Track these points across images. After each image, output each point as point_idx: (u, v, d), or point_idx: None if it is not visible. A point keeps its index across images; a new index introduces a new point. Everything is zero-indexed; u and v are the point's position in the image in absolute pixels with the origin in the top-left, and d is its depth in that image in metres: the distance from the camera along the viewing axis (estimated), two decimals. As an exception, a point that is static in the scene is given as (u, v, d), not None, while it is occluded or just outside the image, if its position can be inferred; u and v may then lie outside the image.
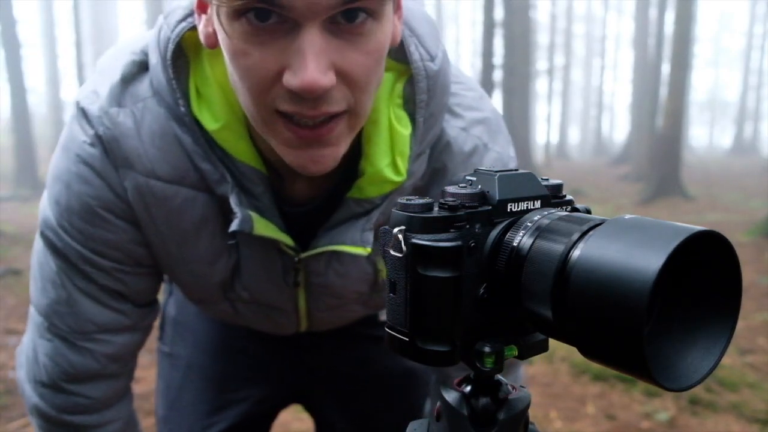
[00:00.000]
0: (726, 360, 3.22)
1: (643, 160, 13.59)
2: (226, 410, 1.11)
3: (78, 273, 0.81)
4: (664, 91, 11.63)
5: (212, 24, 0.66)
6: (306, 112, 0.62)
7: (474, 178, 0.47)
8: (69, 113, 0.80)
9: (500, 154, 0.85)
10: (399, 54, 0.75)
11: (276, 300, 0.89)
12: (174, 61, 0.71)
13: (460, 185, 0.47)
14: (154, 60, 0.73)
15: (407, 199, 0.45)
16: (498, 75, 10.91)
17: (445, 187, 0.47)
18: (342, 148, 0.68)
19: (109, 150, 0.75)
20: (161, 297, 1.18)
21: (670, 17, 12.03)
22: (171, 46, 0.70)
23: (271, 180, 0.79)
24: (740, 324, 3.71)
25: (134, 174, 0.75)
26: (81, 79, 12.06)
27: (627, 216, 0.40)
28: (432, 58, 0.75)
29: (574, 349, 0.39)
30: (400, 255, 0.44)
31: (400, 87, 0.76)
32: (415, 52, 0.74)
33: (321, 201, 0.82)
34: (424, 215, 0.44)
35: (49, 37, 20.34)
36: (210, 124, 0.72)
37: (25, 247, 5.68)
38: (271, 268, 0.84)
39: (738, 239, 6.35)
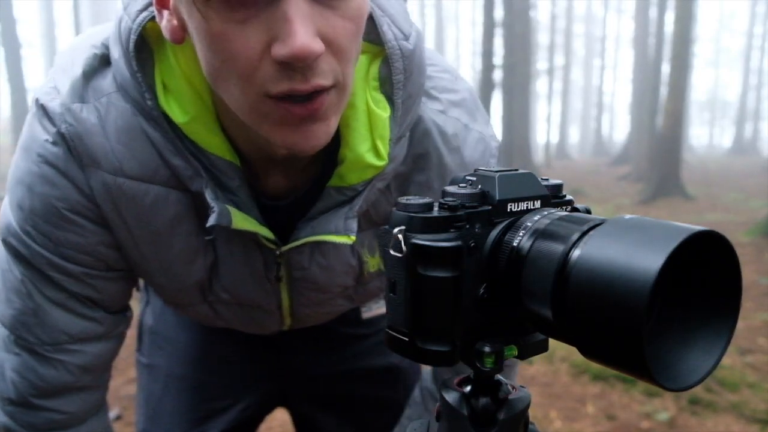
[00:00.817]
0: (726, 360, 3.22)
1: (643, 160, 13.60)
2: (209, 421, 1.09)
3: (45, 281, 0.77)
4: (664, 91, 11.63)
5: (177, 16, 0.62)
6: (298, 87, 0.59)
7: (474, 178, 0.47)
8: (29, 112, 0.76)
9: (482, 134, 0.83)
10: (371, 35, 0.73)
11: (258, 298, 0.86)
12: (137, 53, 0.68)
13: (460, 185, 0.47)
14: (116, 53, 0.69)
15: (407, 199, 0.45)
16: (498, 75, 10.91)
17: (445, 187, 0.47)
18: (332, 123, 0.65)
19: (72, 148, 0.71)
20: (137, 306, 1.16)
21: (670, 17, 12.03)
22: (133, 37, 0.67)
23: (246, 175, 0.76)
24: (740, 324, 3.71)
25: (101, 173, 0.72)
26: (81, 79, 12.04)
27: (627, 216, 0.40)
28: (406, 37, 0.72)
29: (574, 349, 0.39)
30: (400, 255, 0.44)
31: (375, 69, 0.74)
32: (388, 31, 0.71)
33: (300, 194, 0.80)
34: (424, 215, 0.44)
35: (49, 37, 20.34)
36: (179, 116, 0.69)
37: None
38: (252, 265, 0.82)
39: (738, 239, 6.35)
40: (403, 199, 0.45)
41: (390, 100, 0.73)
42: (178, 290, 0.85)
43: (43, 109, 0.72)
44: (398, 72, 0.72)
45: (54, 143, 0.72)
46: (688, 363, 0.38)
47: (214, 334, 1.09)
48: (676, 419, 2.67)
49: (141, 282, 1.14)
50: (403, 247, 0.43)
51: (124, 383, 2.87)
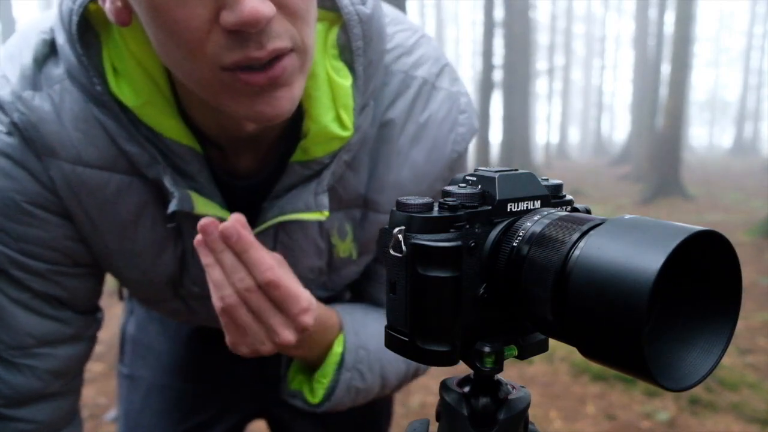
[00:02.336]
0: (726, 360, 3.22)
1: (643, 160, 13.60)
2: None
3: (9, 281, 0.74)
4: (664, 91, 11.64)
5: None
6: (253, 54, 0.56)
7: (474, 178, 0.47)
8: None
9: (449, 92, 0.79)
10: (326, 2, 0.69)
11: None
12: (81, 36, 0.65)
13: (460, 185, 0.47)
14: (60, 39, 0.66)
15: (407, 199, 0.45)
16: (498, 75, 10.91)
17: (445, 187, 0.47)
18: (296, 89, 0.63)
19: (28, 138, 0.68)
20: (120, 316, 1.14)
21: (670, 17, 12.04)
22: (75, 19, 0.63)
23: (213, 157, 0.74)
24: (740, 324, 3.72)
25: (59, 162, 0.69)
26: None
27: (627, 216, 0.40)
28: (363, 2, 0.70)
29: (574, 349, 0.39)
30: (400, 255, 0.44)
31: (333, 36, 0.71)
32: None
33: (267, 173, 0.76)
34: (424, 215, 0.44)
35: (49, 37, 20.29)
36: (131, 100, 0.66)
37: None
38: None
39: (738, 239, 6.35)
40: (403, 199, 0.45)
41: (351, 68, 0.71)
42: (149, 284, 0.81)
43: None
44: (357, 38, 0.69)
45: (8, 134, 0.69)
46: (688, 363, 0.38)
47: (196, 344, 1.07)
48: (676, 419, 2.67)
49: (125, 292, 1.11)
50: (403, 247, 0.43)
51: (124, 383, 2.87)
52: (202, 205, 0.70)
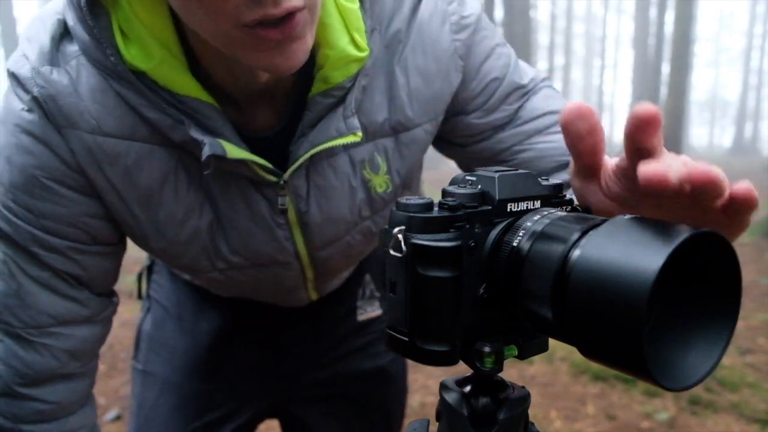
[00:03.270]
0: (726, 360, 3.22)
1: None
2: None
3: (29, 258, 0.75)
4: (664, 91, 11.64)
5: None
6: (270, 12, 0.59)
7: (474, 178, 0.48)
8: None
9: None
10: None
11: (270, 250, 0.83)
12: (90, 9, 0.66)
13: (460, 185, 0.47)
14: (70, 20, 0.69)
15: (407, 199, 0.45)
16: (498, 75, 10.88)
17: (445, 187, 0.47)
18: (309, 40, 0.65)
19: (48, 111, 0.70)
20: (136, 314, 1.16)
21: (670, 17, 12.04)
22: None
23: (230, 113, 0.74)
24: (740, 324, 3.72)
25: (79, 133, 0.71)
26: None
27: (627, 216, 0.40)
28: None
29: (574, 349, 0.39)
30: (400, 255, 0.44)
31: None
32: None
33: (285, 123, 0.77)
34: (424, 215, 0.44)
35: (49, 37, 20.31)
36: (144, 63, 0.68)
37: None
38: (255, 211, 0.79)
39: (738, 239, 6.34)
40: (402, 199, 0.45)
41: None
42: (181, 255, 0.82)
43: (14, 78, 0.71)
44: None
45: (29, 110, 0.70)
46: (688, 363, 0.38)
47: (212, 342, 1.08)
48: (676, 419, 2.67)
49: (144, 290, 1.14)
50: (403, 247, 0.43)
51: (125, 383, 2.87)
52: (233, 150, 0.71)
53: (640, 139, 0.44)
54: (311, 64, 0.72)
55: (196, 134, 0.69)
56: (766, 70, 33.62)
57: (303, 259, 0.86)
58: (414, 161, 0.84)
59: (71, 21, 0.69)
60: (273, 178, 0.76)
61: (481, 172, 0.48)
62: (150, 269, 1.15)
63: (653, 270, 0.33)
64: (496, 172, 0.47)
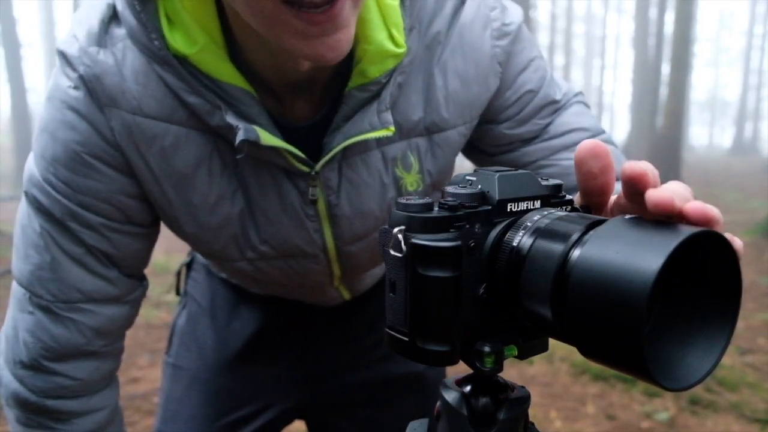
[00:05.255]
0: (726, 360, 3.22)
1: (643, 160, 13.57)
2: (230, 431, 1.08)
3: (64, 232, 0.78)
4: (664, 91, 11.64)
5: None
6: None
7: (474, 178, 0.48)
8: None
9: None
10: None
11: (299, 241, 0.83)
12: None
13: (460, 185, 0.47)
14: (120, 4, 0.72)
15: (407, 199, 0.45)
16: (498, 75, 10.87)
17: (445, 188, 0.47)
18: (352, 29, 0.66)
19: (92, 90, 0.73)
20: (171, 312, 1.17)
21: (670, 17, 12.04)
22: None
23: (267, 102, 0.76)
24: (740, 324, 3.72)
25: (120, 112, 0.73)
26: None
27: (627, 216, 0.40)
28: None
29: (574, 349, 0.39)
30: (400, 255, 0.44)
31: None
32: None
33: (322, 115, 0.78)
34: (424, 215, 0.44)
35: (49, 37, 20.34)
36: (187, 48, 0.70)
37: (25, 247, 5.66)
38: (287, 203, 0.80)
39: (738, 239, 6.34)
40: (402, 199, 0.45)
41: None
42: (212, 241, 0.84)
43: (63, 56, 0.74)
44: None
45: (75, 87, 0.73)
46: (688, 363, 0.38)
47: (243, 340, 1.09)
48: (676, 419, 2.67)
49: (182, 286, 1.16)
50: (403, 247, 0.43)
51: (125, 383, 2.87)
52: (267, 137, 0.72)
53: (638, 189, 0.45)
54: (350, 59, 0.73)
55: (231, 119, 0.71)
56: (766, 70, 33.61)
57: (330, 253, 0.86)
58: (446, 162, 0.85)
59: (120, 6, 0.71)
60: (305, 168, 0.76)
61: (481, 172, 0.48)
62: (189, 266, 1.17)
63: (653, 270, 0.33)
64: (496, 172, 0.47)
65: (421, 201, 0.44)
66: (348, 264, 0.90)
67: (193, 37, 0.70)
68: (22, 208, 0.81)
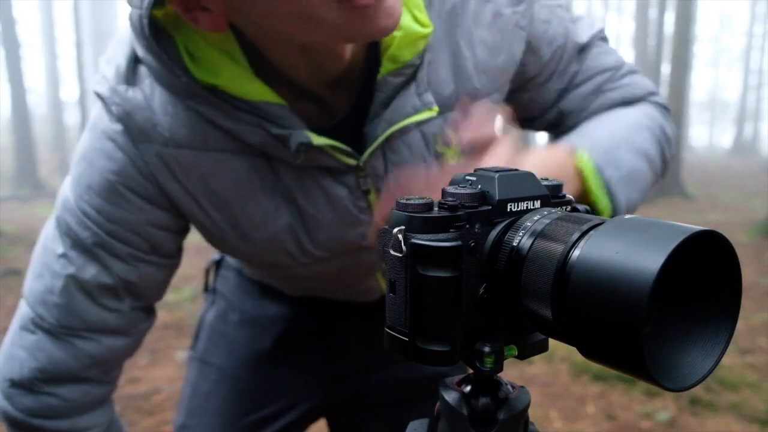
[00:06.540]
0: (726, 360, 3.22)
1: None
2: (255, 429, 1.08)
3: (87, 259, 0.79)
4: (664, 91, 11.63)
5: (220, 9, 0.64)
6: None
7: (474, 178, 0.48)
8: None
9: None
10: None
11: (357, 237, 0.83)
12: (155, 36, 0.69)
13: (460, 185, 0.47)
14: (140, 51, 0.72)
15: (407, 199, 0.45)
16: (498, 75, 10.87)
17: (445, 187, 0.47)
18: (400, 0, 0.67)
19: (126, 126, 0.75)
20: (199, 307, 1.17)
21: (670, 17, 12.04)
22: (145, 21, 0.68)
23: (304, 108, 0.76)
24: (740, 324, 3.71)
25: (154, 146, 0.75)
26: (81, 80, 12.06)
27: (627, 216, 0.40)
28: None
29: (574, 349, 0.39)
30: (400, 255, 0.44)
31: None
32: None
33: (348, 110, 0.79)
34: (424, 215, 0.44)
35: (49, 37, 20.33)
36: (213, 77, 0.71)
37: (25, 247, 5.67)
38: (337, 203, 0.80)
39: (738, 239, 6.35)
40: (402, 199, 0.45)
41: None
42: (263, 255, 0.84)
43: (98, 96, 0.77)
44: None
45: (117, 120, 0.75)
46: (688, 363, 0.38)
47: (271, 338, 1.09)
48: (676, 419, 2.67)
49: (211, 282, 1.17)
50: (403, 247, 0.43)
51: (125, 383, 2.87)
52: (316, 138, 0.72)
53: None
54: (376, 47, 0.74)
55: (277, 131, 0.71)
56: (766, 70, 33.62)
57: None
58: None
59: (140, 52, 0.73)
60: (352, 161, 0.77)
61: (481, 172, 0.48)
62: (218, 264, 1.18)
63: (653, 270, 0.33)
64: (496, 172, 0.47)
65: (421, 201, 0.44)
66: None
67: (216, 66, 0.71)
68: (49, 229, 0.82)
